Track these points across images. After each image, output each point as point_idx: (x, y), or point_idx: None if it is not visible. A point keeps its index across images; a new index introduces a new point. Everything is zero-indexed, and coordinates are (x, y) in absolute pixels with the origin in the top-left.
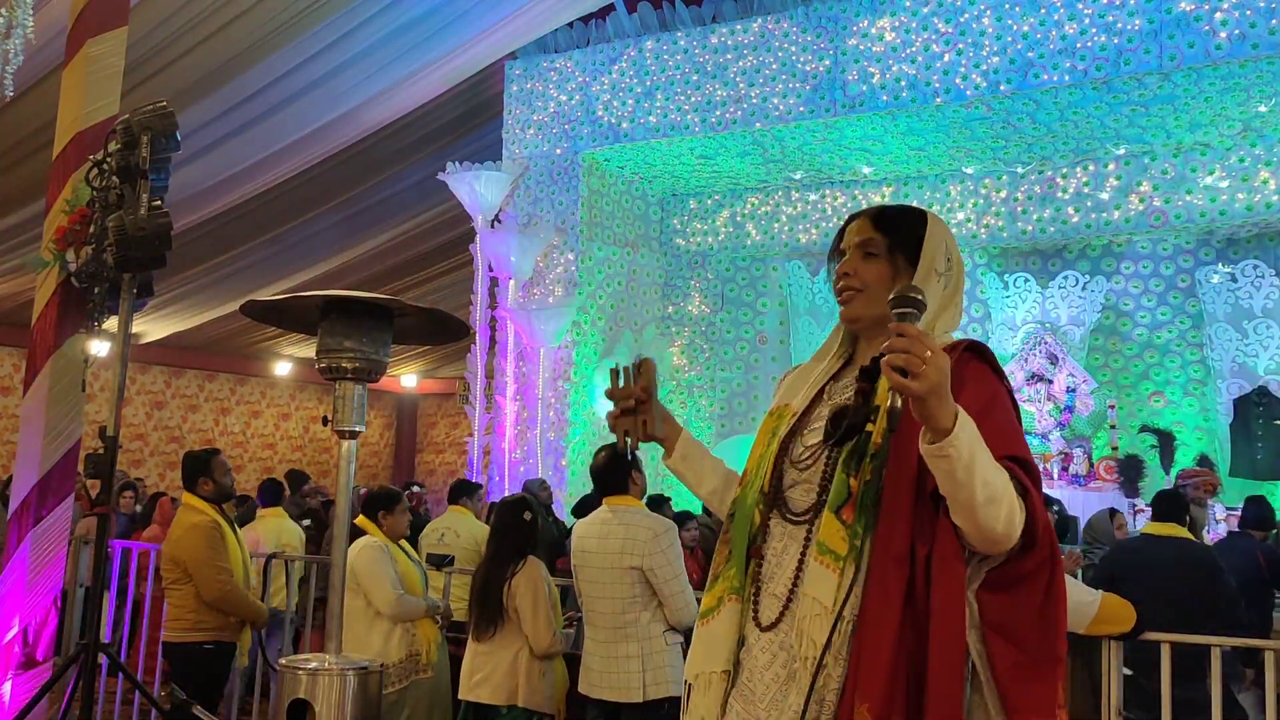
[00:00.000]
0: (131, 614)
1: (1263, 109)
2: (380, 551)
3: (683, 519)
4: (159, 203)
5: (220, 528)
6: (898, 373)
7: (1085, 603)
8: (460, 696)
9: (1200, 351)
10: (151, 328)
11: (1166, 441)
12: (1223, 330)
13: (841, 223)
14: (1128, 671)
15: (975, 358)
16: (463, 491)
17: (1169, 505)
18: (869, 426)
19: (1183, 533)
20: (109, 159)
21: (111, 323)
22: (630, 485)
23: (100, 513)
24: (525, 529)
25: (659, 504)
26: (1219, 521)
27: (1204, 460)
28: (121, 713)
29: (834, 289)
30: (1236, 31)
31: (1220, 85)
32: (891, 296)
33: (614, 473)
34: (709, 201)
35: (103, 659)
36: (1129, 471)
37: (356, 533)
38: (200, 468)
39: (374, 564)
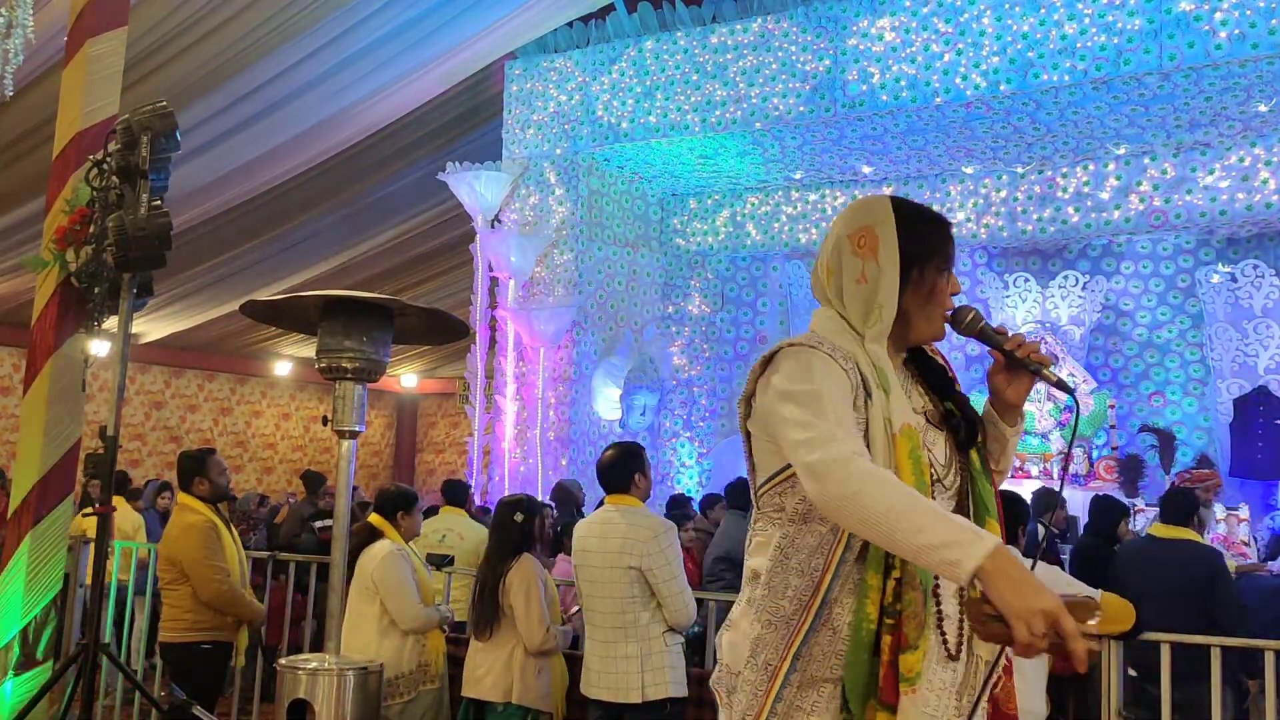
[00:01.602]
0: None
1: (1262, 109)
2: (405, 561)
3: (681, 520)
4: (159, 202)
5: (216, 528)
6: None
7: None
8: (463, 694)
9: (1200, 351)
10: (151, 328)
11: (1166, 441)
12: (1223, 330)
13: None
14: (1131, 673)
15: None
16: (459, 492)
17: (1177, 507)
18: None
19: (1190, 535)
20: (109, 159)
21: (111, 322)
22: (633, 486)
23: (101, 512)
24: (519, 529)
25: (682, 504)
26: (1219, 522)
27: (1204, 460)
28: (122, 713)
29: (942, 305)
30: (1236, 31)
31: (1220, 85)
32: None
33: (618, 471)
34: (709, 201)
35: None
36: (1129, 471)
37: (371, 534)
38: (196, 468)
39: (400, 576)
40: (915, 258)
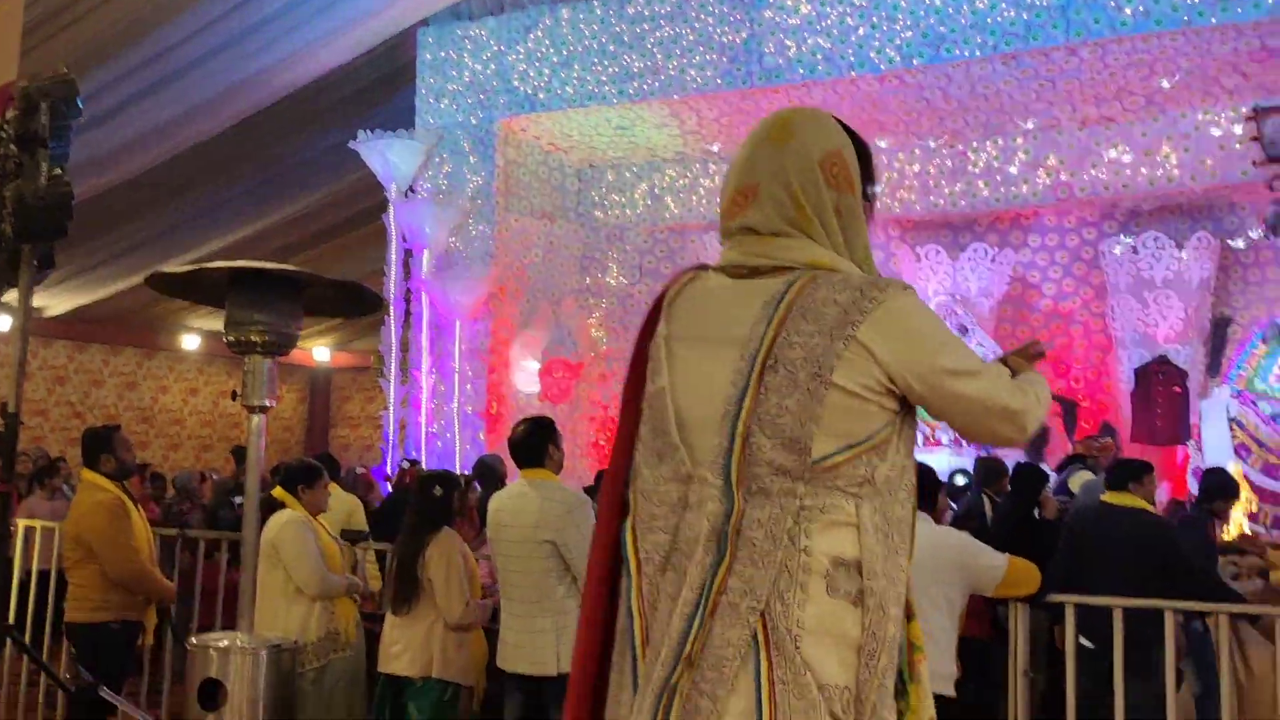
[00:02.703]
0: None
1: (1165, 85)
2: (303, 527)
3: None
4: (59, 171)
5: (124, 505)
6: None
7: (993, 566)
8: (379, 669)
9: (1103, 321)
10: (54, 301)
11: (1070, 409)
12: (1124, 300)
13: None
14: (1088, 644)
15: None
16: (329, 464)
17: (1127, 474)
18: None
19: (1140, 503)
20: (6, 126)
21: (11, 296)
22: (547, 459)
23: (1, 491)
24: (438, 503)
25: None
26: None
27: (1106, 427)
28: (27, 695)
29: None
30: (1141, 8)
31: (1124, 60)
32: None
33: (531, 446)
34: (627, 174)
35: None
36: (1034, 439)
37: (274, 506)
38: (101, 444)
39: (299, 540)
40: (866, 192)
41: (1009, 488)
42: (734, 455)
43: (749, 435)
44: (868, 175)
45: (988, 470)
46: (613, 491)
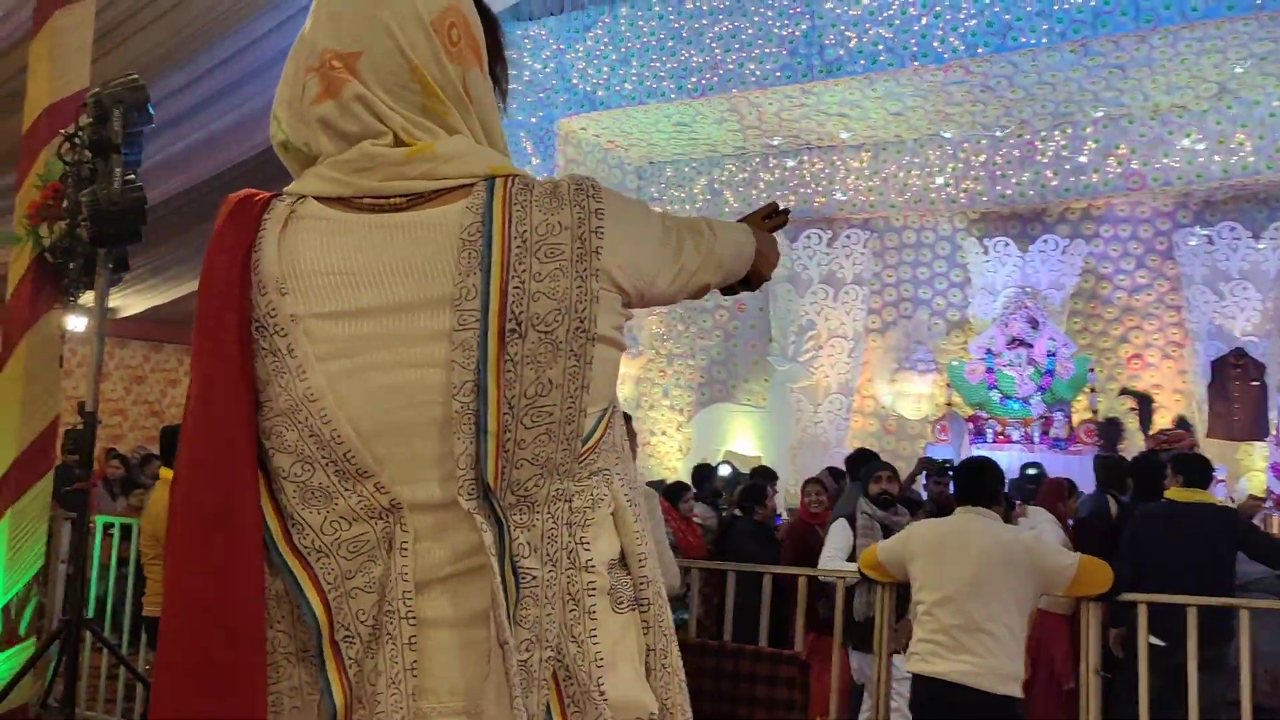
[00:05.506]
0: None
1: (1238, 70)
2: None
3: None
4: (132, 176)
5: None
6: None
7: (1064, 566)
8: None
9: (1178, 314)
10: (128, 302)
11: (1145, 404)
12: (1200, 293)
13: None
14: (1159, 643)
15: None
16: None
17: (1193, 470)
18: None
19: (1208, 498)
20: (80, 133)
21: (88, 298)
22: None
23: (81, 489)
24: None
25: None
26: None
27: (1181, 422)
28: (107, 688)
29: None
30: None
31: (1196, 47)
32: None
33: None
34: (686, 169)
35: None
36: (1108, 434)
37: None
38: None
39: None
40: (495, 72)
41: (1131, 485)
42: (489, 459)
43: (503, 429)
44: (495, 48)
45: (1108, 470)
46: (240, 560)
